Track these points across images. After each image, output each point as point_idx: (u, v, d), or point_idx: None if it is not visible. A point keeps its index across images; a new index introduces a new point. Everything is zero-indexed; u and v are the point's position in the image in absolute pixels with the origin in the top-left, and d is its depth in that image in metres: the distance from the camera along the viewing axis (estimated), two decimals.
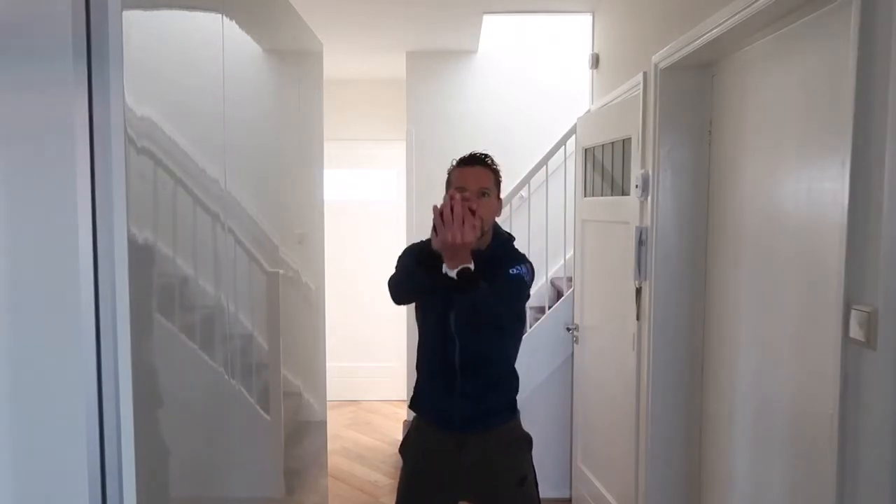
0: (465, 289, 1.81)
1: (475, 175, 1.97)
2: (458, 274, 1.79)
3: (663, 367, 2.49)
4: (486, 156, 2.02)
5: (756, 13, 1.74)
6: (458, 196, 1.80)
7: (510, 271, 1.96)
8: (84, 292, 1.02)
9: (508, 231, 2.14)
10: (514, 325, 2.08)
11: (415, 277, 1.93)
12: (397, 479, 3.98)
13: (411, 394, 2.15)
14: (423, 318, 2.09)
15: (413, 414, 2.15)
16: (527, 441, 2.10)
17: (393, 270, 2.07)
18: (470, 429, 2.01)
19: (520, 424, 2.11)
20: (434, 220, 1.80)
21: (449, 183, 2.04)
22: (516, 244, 2.11)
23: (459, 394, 2.00)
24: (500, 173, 2.04)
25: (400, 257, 2.10)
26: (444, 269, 1.81)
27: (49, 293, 1.03)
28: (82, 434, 1.04)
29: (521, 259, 2.03)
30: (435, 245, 1.83)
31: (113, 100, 1.02)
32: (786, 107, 1.88)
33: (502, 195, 2.10)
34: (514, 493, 2.03)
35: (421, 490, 2.06)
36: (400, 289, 2.01)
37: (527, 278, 1.99)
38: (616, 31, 3.20)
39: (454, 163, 2.05)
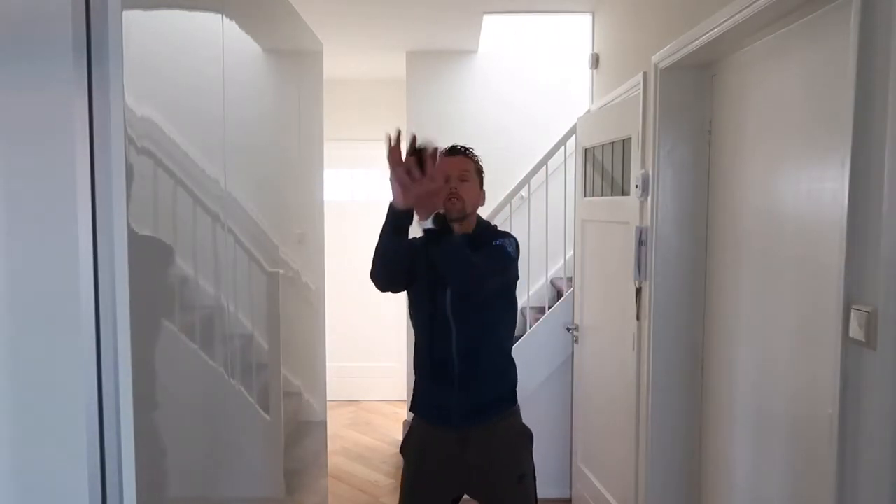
0: (445, 238, 1.82)
1: (454, 163, 2.06)
2: (433, 220, 1.81)
3: (663, 367, 2.49)
4: (467, 148, 2.12)
5: (756, 13, 1.74)
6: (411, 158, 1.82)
7: (493, 243, 2.02)
8: (84, 292, 1.03)
9: (505, 231, 2.16)
10: (506, 307, 2.10)
11: (389, 247, 1.91)
12: (397, 480, 3.99)
13: (409, 395, 2.16)
14: (416, 308, 2.11)
15: (412, 414, 2.15)
16: (527, 436, 2.11)
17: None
18: (470, 424, 2.01)
19: (520, 418, 2.12)
20: (395, 177, 1.81)
21: None
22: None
23: (458, 386, 2.01)
24: (481, 164, 2.13)
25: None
26: (421, 224, 1.83)
27: (49, 293, 1.03)
28: (82, 434, 1.04)
29: (505, 234, 2.09)
30: (401, 202, 1.83)
31: (113, 100, 1.02)
32: (786, 107, 1.88)
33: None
34: (512, 490, 2.04)
35: (424, 489, 2.07)
36: (378, 269, 1.98)
37: (510, 249, 2.02)
38: (616, 31, 3.20)
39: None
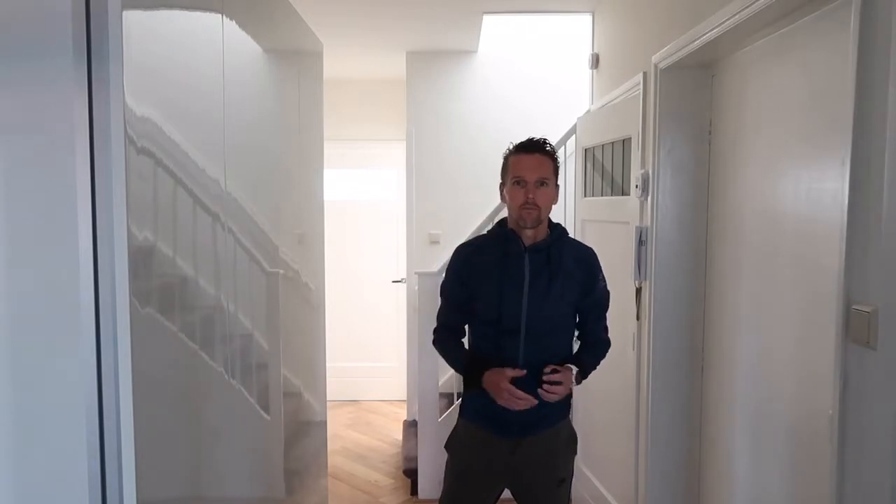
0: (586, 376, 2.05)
1: (534, 164, 1.93)
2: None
3: (663, 367, 2.49)
4: (545, 141, 1.98)
5: (756, 13, 1.74)
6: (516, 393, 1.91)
7: (600, 285, 2.06)
8: (84, 292, 1.02)
9: (583, 245, 2.18)
10: (573, 323, 2.08)
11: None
12: (398, 479, 4.00)
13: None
14: (481, 324, 2.03)
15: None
16: (574, 441, 2.10)
17: (439, 274, 2.12)
18: (524, 434, 1.99)
19: (569, 423, 2.10)
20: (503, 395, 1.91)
21: (506, 169, 2.00)
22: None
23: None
24: (558, 158, 2.03)
25: (447, 275, 2.10)
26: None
27: (49, 293, 1.03)
28: (82, 434, 1.03)
29: (592, 258, 2.09)
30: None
31: (113, 100, 1.01)
32: (785, 107, 1.88)
33: None
34: (552, 493, 2.04)
35: (470, 484, 2.07)
36: (444, 359, 2.15)
37: (605, 281, 2.11)
38: (616, 31, 3.20)
39: (511, 148, 2.01)
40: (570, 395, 2.07)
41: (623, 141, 2.88)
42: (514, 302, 1.95)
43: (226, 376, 1.47)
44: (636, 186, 2.61)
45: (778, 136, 1.92)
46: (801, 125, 1.81)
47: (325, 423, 2.60)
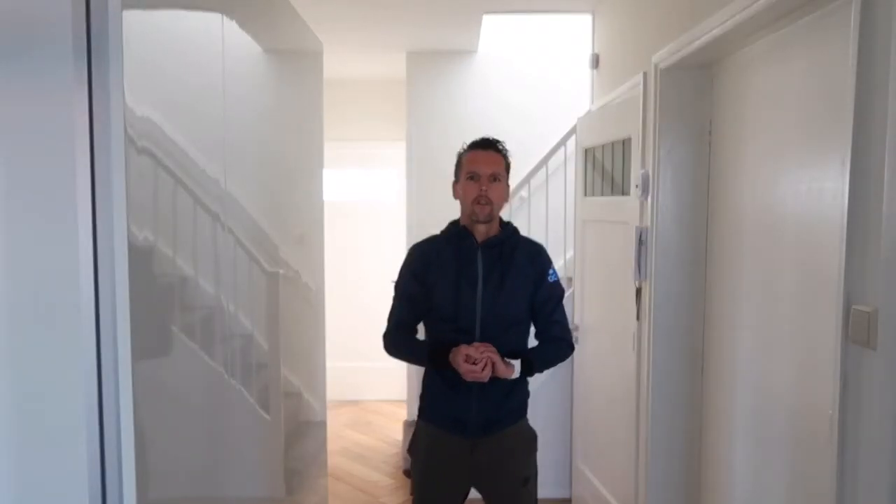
0: (537, 367, 2.02)
1: (487, 159, 1.99)
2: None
3: (663, 367, 2.49)
4: (498, 141, 2.04)
5: (756, 13, 1.74)
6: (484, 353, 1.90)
7: (549, 279, 2.05)
8: (84, 292, 1.02)
9: (534, 241, 2.16)
10: (528, 324, 2.09)
11: (416, 364, 2.17)
12: (397, 479, 4.00)
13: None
14: (438, 324, 2.06)
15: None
16: (534, 440, 2.12)
17: (394, 279, 2.17)
18: (483, 434, 2.01)
19: (527, 423, 2.11)
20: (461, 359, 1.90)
21: (459, 166, 2.05)
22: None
23: (477, 401, 1.99)
24: (510, 159, 2.06)
25: (400, 273, 2.16)
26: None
27: (49, 293, 1.03)
28: (82, 434, 1.04)
29: (542, 253, 2.08)
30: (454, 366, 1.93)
31: (113, 100, 1.02)
32: (786, 107, 1.88)
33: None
34: (517, 492, 2.05)
35: (435, 483, 2.08)
36: (396, 357, 2.22)
37: (557, 275, 2.09)
38: (616, 31, 3.20)
39: (465, 146, 2.06)
40: (526, 395, 2.09)
41: (623, 141, 2.88)
42: (469, 298, 1.98)
43: (226, 376, 1.47)
44: (636, 186, 2.61)
45: (778, 136, 1.92)
46: (801, 125, 1.81)
47: (324, 423, 2.60)
